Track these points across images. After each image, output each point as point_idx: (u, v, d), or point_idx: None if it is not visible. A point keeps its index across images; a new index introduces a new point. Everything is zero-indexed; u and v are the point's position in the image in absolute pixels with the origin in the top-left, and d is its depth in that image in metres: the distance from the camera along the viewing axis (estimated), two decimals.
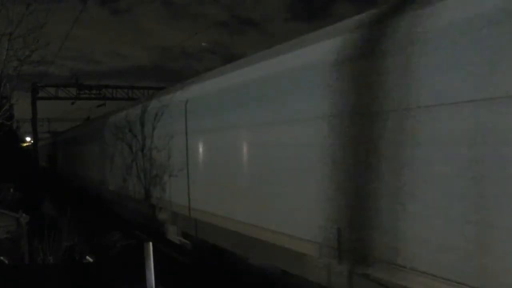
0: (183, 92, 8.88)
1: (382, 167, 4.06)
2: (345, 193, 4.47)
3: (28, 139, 46.41)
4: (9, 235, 8.70)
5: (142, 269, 4.87)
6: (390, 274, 3.96)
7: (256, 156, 5.97)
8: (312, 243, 4.79)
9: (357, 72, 4.39)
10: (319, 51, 4.99)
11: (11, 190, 15.40)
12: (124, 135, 11.97)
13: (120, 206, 12.93)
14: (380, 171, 4.08)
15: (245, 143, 6.32)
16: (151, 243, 4.91)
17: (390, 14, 4.36)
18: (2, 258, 8.15)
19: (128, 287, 6.45)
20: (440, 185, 3.59)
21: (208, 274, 7.53)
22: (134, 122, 11.26)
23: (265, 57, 6.29)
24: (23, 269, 7.92)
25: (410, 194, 3.81)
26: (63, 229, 9.07)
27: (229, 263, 7.08)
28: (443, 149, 3.56)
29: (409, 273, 3.80)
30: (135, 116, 11.26)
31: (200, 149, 7.92)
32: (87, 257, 8.86)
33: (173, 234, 8.86)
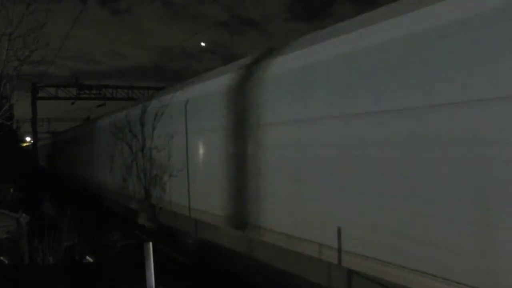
0: (183, 92, 8.89)
1: (250, 161, 6.18)
2: (229, 181, 6.70)
3: (28, 139, 46.41)
4: (9, 235, 8.69)
5: (142, 269, 4.86)
6: (255, 233, 6.04)
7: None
8: (219, 216, 7.03)
9: (236, 98, 6.58)
10: (218, 83, 7.31)
11: (11, 190, 15.40)
12: (124, 135, 11.97)
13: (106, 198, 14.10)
14: (248, 163, 6.18)
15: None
16: (151, 243, 4.90)
17: (254, 62, 6.66)
18: (2, 258, 8.15)
19: (128, 287, 6.45)
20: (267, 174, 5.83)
21: (208, 274, 7.53)
22: (134, 122, 11.27)
23: (190, 83, 8.99)
24: (23, 269, 7.92)
25: (263, 179, 5.88)
26: (63, 229, 9.07)
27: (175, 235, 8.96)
28: (274, 149, 5.76)
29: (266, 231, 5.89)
30: (135, 116, 11.27)
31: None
32: (87, 257, 8.86)
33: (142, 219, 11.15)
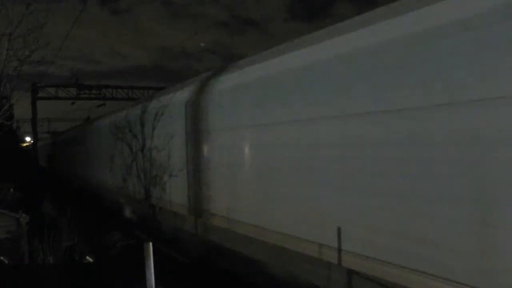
0: (183, 92, 8.89)
1: (204, 160, 7.72)
2: (194, 179, 8.04)
3: (28, 139, 46.40)
4: (9, 235, 8.69)
5: (142, 269, 4.86)
6: (213, 219, 7.40)
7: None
8: (184, 207, 8.50)
9: (194, 108, 8.04)
10: (182, 95, 8.91)
11: (11, 190, 15.40)
12: (124, 135, 11.98)
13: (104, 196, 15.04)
14: (202, 163, 7.75)
15: None
16: (151, 243, 4.90)
17: (207, 78, 8.21)
18: (2, 258, 8.15)
19: (128, 287, 6.45)
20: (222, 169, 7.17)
21: (208, 274, 7.53)
22: (134, 122, 11.28)
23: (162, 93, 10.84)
24: (23, 269, 7.92)
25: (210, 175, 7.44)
26: (63, 229, 9.06)
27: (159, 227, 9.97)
28: (217, 151, 7.32)
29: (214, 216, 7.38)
30: (135, 116, 11.28)
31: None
32: (87, 257, 8.86)
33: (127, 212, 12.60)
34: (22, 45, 8.98)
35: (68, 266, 8.12)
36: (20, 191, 15.96)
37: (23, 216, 8.92)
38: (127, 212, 12.40)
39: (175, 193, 9.02)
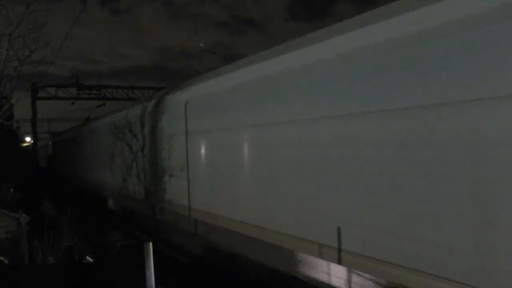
0: (183, 92, 8.89)
1: (172, 162, 9.16)
2: (161, 178, 9.54)
3: (28, 139, 46.35)
4: (9, 235, 8.69)
5: (142, 269, 4.86)
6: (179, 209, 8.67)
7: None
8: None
9: (156, 117, 9.77)
10: (145, 107, 10.72)
11: (11, 190, 15.39)
12: (124, 134, 11.99)
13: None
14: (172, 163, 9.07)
15: None
16: (151, 243, 4.90)
17: (167, 92, 10.01)
18: (2, 258, 8.15)
19: (128, 287, 6.45)
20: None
21: (208, 274, 7.53)
22: (134, 122, 11.28)
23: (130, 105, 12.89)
24: (23, 269, 7.92)
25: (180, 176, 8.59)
26: (63, 229, 9.05)
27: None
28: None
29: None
30: (135, 116, 11.28)
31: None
32: (87, 257, 8.86)
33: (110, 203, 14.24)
34: (22, 45, 8.99)
35: (68, 266, 8.11)
36: (20, 191, 15.94)
37: (23, 216, 8.91)
38: (127, 212, 12.43)
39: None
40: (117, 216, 13.23)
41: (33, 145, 31.58)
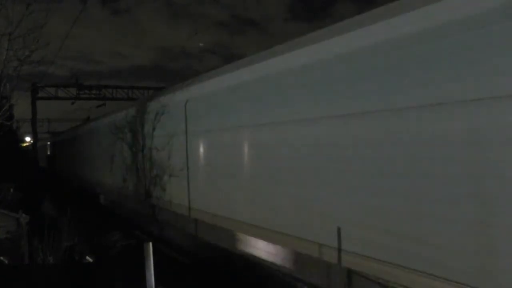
0: (183, 92, 8.89)
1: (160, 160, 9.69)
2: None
3: (28, 139, 46.33)
4: (9, 235, 8.69)
5: (142, 269, 4.86)
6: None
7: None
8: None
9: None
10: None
11: (11, 190, 15.38)
12: (124, 134, 11.99)
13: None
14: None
15: None
16: (151, 243, 4.90)
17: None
18: (2, 258, 8.14)
19: (128, 287, 6.44)
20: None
21: (208, 274, 7.53)
22: (134, 122, 11.29)
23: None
24: (23, 269, 7.91)
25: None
26: (63, 229, 9.05)
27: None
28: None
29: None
30: (135, 116, 11.29)
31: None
32: (87, 257, 8.85)
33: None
34: (22, 45, 8.97)
35: (68, 266, 8.11)
36: (20, 191, 15.93)
37: (23, 216, 8.91)
38: (127, 212, 12.48)
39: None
40: (117, 216, 13.24)
41: (33, 145, 31.56)
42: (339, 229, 4.72)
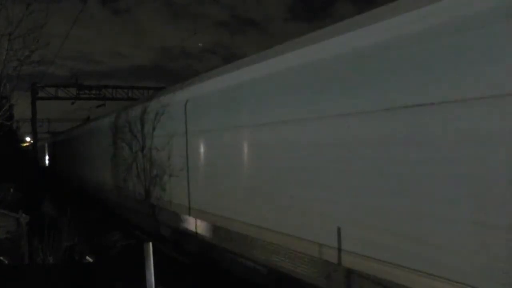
0: (183, 92, 8.89)
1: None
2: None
3: (28, 139, 46.34)
4: (9, 235, 8.70)
5: (142, 269, 4.86)
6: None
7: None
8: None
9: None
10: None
11: (11, 190, 15.39)
12: (124, 134, 12.00)
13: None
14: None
15: None
16: (151, 243, 4.90)
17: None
18: (2, 258, 8.15)
19: (128, 287, 6.45)
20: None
21: (208, 274, 7.53)
22: (134, 122, 11.29)
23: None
24: (23, 269, 7.92)
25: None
26: (63, 229, 9.06)
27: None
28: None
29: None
30: (135, 116, 11.29)
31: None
32: (87, 257, 8.86)
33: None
34: (22, 45, 8.97)
35: (68, 266, 8.12)
36: (20, 191, 15.94)
37: (23, 216, 8.92)
38: (127, 212, 12.49)
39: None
40: (117, 216, 13.25)
41: (33, 145, 31.57)
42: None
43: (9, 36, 8.64)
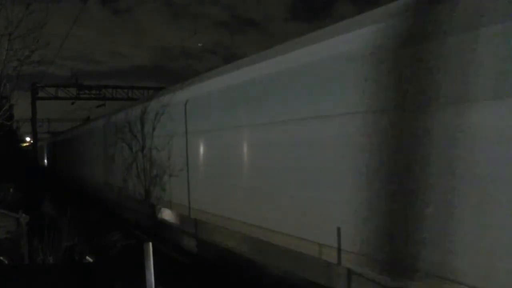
0: (183, 92, 8.90)
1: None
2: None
3: (28, 139, 46.38)
4: (9, 235, 8.70)
5: (142, 269, 4.86)
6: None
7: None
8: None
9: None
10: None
11: (11, 190, 15.40)
12: (124, 135, 12.00)
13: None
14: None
15: None
16: (151, 243, 4.90)
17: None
18: (2, 258, 8.15)
19: (128, 287, 6.45)
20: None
21: (208, 274, 7.53)
22: (134, 122, 11.29)
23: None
24: (23, 269, 7.93)
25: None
26: (63, 229, 9.07)
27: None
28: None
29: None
30: (135, 116, 11.29)
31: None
32: (87, 257, 8.87)
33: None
34: (22, 45, 8.98)
35: (68, 266, 8.12)
36: (20, 191, 15.96)
37: (23, 216, 8.92)
38: (127, 212, 12.50)
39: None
40: (117, 216, 13.25)
41: (33, 145, 31.59)
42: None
43: (9, 36, 8.65)
